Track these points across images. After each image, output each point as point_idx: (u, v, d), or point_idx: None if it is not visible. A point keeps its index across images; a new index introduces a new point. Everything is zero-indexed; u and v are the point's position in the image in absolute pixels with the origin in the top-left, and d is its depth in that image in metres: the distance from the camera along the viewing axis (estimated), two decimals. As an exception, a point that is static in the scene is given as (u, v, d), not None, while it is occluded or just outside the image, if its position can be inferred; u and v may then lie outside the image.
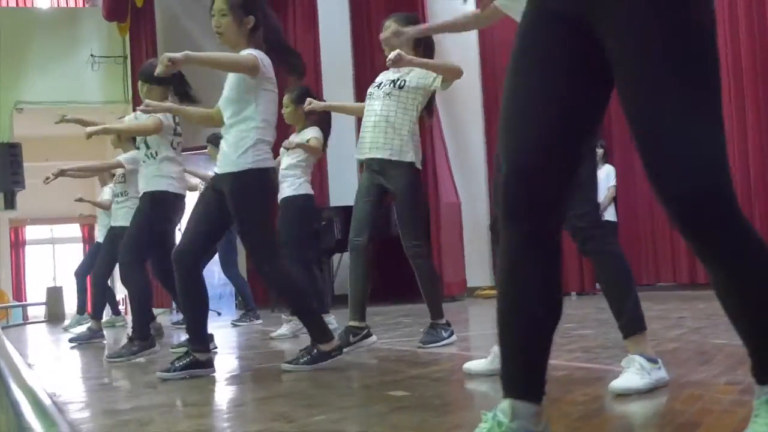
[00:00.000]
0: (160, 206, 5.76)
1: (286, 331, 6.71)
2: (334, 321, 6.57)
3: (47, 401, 2.30)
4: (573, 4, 2.01)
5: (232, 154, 4.38)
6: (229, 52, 4.48)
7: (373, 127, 5.23)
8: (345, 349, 4.82)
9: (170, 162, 5.80)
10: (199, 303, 4.50)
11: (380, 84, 5.35)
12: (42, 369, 5.43)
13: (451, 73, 5.18)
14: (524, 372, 2.04)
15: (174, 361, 4.41)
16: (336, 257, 11.96)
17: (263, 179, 4.41)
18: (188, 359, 4.37)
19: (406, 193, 5.18)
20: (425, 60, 5.13)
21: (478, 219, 12.19)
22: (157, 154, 5.78)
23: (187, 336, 4.53)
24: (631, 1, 1.92)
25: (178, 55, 4.18)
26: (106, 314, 9.84)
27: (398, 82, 5.25)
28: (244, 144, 4.37)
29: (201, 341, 4.43)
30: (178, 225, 6.47)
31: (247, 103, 4.40)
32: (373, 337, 5.24)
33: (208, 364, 4.43)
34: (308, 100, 6.17)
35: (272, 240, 4.53)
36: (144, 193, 5.81)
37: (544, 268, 2.04)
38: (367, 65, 12.37)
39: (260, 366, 4.61)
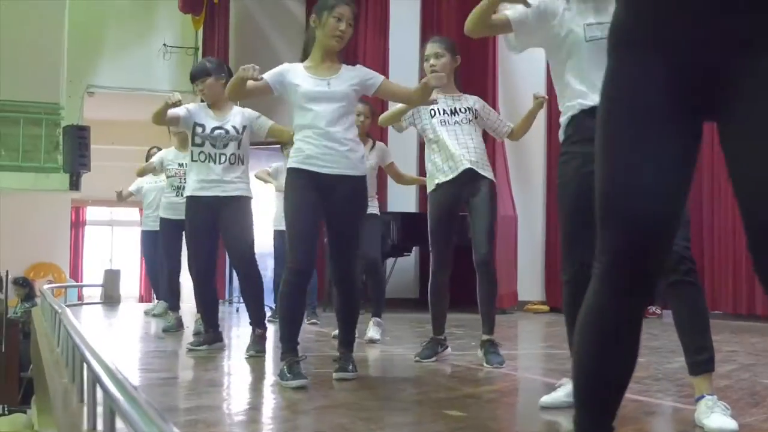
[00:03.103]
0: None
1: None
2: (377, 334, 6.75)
3: (121, 376, 2.44)
4: (711, 55, 1.94)
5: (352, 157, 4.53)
6: (332, 56, 4.58)
7: (460, 146, 5.27)
8: (433, 359, 5.37)
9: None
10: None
11: (453, 111, 5.35)
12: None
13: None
14: (607, 418, 2.13)
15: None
16: (389, 261, 12.04)
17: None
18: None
19: (488, 204, 5.29)
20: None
21: (534, 234, 12.26)
22: (242, 160, 5.91)
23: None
24: None
25: None
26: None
27: (473, 110, 5.36)
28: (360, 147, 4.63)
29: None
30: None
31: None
32: (449, 348, 5.63)
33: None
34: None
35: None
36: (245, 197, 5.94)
37: (639, 330, 2.12)
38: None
39: (317, 371, 4.71)
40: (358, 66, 4.71)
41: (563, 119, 3.64)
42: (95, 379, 2.73)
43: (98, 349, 3.04)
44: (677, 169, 2.00)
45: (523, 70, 12.13)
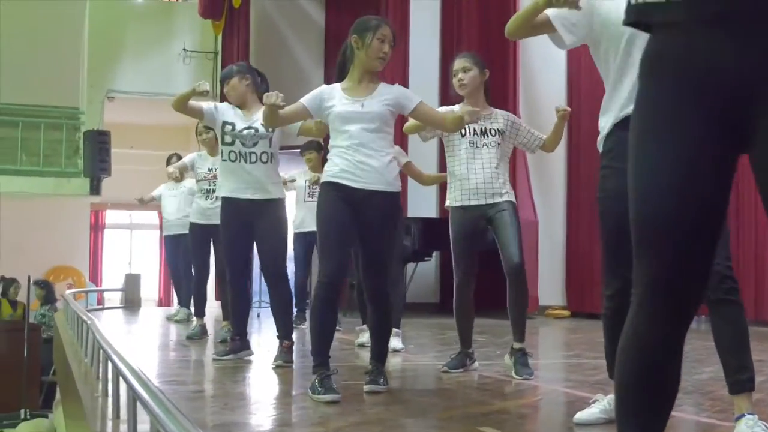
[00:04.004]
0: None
1: (367, 341, 6.77)
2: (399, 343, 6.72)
3: (163, 397, 2.45)
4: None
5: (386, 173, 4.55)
6: (371, 75, 4.63)
7: (484, 177, 5.25)
8: (460, 370, 5.37)
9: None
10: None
11: (484, 131, 5.31)
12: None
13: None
14: None
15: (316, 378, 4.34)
16: (410, 266, 12.03)
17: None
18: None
19: (512, 216, 5.26)
20: None
21: (555, 239, 12.25)
22: (273, 158, 5.86)
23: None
24: None
25: None
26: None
27: (502, 132, 5.32)
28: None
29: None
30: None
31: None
32: (476, 363, 5.57)
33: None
34: None
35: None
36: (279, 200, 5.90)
37: (680, 358, 2.09)
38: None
39: (345, 382, 4.71)
40: (396, 85, 4.73)
41: (604, 126, 3.50)
42: (135, 397, 2.74)
43: (137, 368, 3.04)
44: (711, 194, 1.96)
45: (544, 75, 12.11)
